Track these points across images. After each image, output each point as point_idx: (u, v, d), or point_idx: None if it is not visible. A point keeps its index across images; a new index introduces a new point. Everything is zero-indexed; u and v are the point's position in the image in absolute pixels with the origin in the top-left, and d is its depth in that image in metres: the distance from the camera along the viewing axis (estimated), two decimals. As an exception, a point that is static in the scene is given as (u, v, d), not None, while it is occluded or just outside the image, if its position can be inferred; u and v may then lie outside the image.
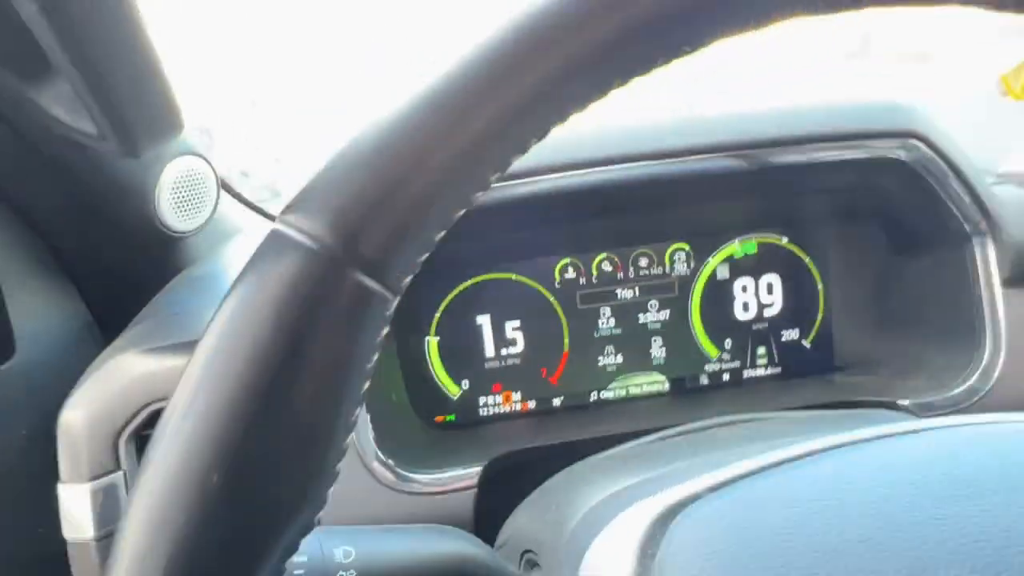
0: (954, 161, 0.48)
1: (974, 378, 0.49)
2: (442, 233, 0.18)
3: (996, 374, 0.48)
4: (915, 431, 0.28)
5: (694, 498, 0.25)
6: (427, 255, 0.18)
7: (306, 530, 0.18)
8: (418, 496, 0.47)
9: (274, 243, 0.16)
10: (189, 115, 0.41)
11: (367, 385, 0.18)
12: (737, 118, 0.52)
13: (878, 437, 0.28)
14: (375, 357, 0.18)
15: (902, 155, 0.49)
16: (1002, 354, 0.49)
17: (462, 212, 0.17)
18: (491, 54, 0.16)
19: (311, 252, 0.16)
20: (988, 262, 0.49)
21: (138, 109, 0.35)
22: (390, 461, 0.47)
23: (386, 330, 0.18)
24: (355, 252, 0.16)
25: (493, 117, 0.16)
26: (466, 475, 0.48)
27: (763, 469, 0.26)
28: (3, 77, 0.35)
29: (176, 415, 0.16)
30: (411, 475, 0.47)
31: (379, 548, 0.29)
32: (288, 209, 0.16)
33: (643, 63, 0.17)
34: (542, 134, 0.17)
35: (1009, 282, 0.49)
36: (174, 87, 0.37)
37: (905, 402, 0.49)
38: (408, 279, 0.18)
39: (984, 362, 0.49)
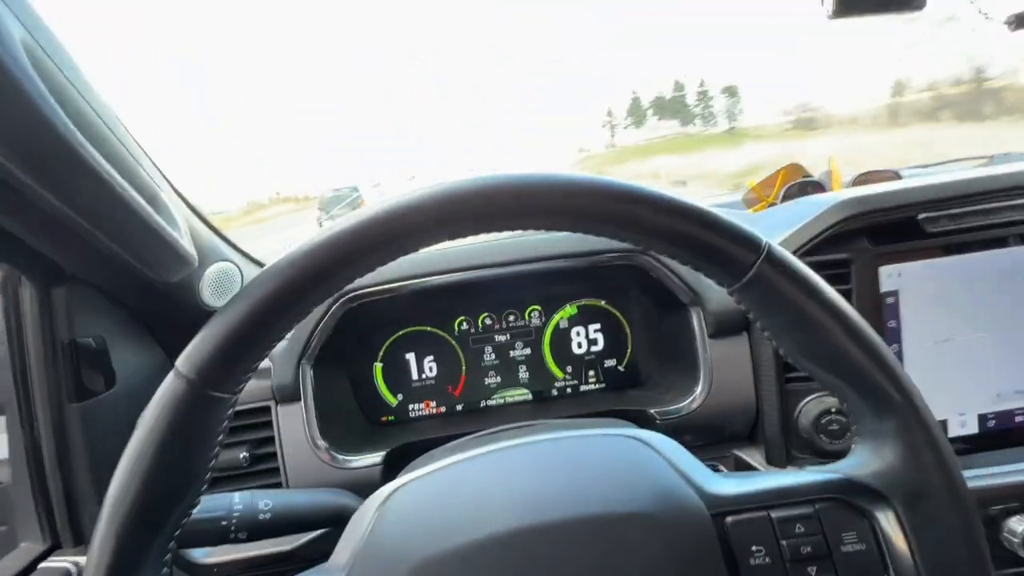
0: (668, 264, 0.63)
1: (693, 395, 0.62)
2: (265, 356, 0.27)
3: (707, 392, 0.62)
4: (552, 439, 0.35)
5: (409, 481, 0.34)
6: (258, 364, 0.27)
7: (191, 507, 0.28)
8: (344, 469, 0.59)
9: (170, 377, 0.26)
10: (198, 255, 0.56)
11: (221, 438, 0.28)
12: (561, 237, 0.65)
13: (524, 444, 0.35)
14: (226, 426, 0.27)
15: (642, 262, 0.64)
16: (710, 381, 0.62)
17: (277, 343, 0.27)
18: (270, 279, 0.26)
19: (181, 381, 0.26)
20: (700, 323, 0.63)
21: (164, 265, 0.52)
22: (326, 446, 0.60)
23: (232, 411, 0.28)
24: (207, 379, 0.26)
25: (280, 310, 0.26)
26: (374, 457, 0.60)
27: (450, 464, 0.34)
28: (107, 246, 0.48)
29: (124, 457, 0.26)
30: (339, 455, 0.60)
31: (286, 500, 0.40)
32: (180, 357, 0.26)
33: (359, 272, 0.27)
34: (306, 314, 0.27)
35: (713, 335, 0.62)
36: (183, 250, 0.53)
37: (652, 411, 0.62)
38: (245, 384, 0.27)
39: (700, 385, 0.62)
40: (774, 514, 0.30)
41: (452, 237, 0.27)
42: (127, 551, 0.26)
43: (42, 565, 0.59)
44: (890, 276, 0.58)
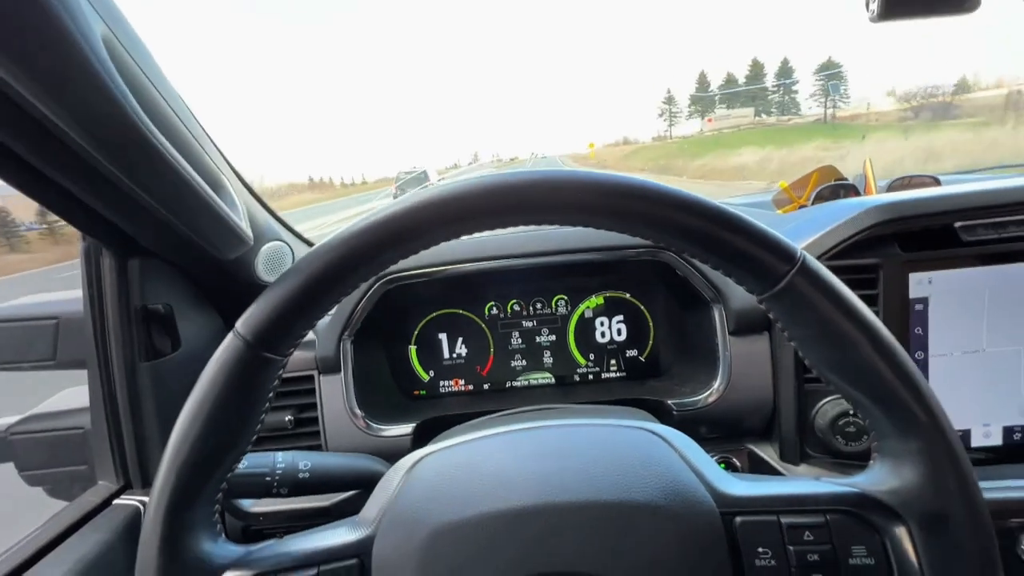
0: (693, 262, 0.61)
1: (711, 389, 0.60)
2: (315, 324, 0.28)
3: (724, 387, 0.60)
4: (573, 425, 0.35)
5: (436, 451, 0.34)
6: (307, 332, 0.28)
7: (242, 454, 0.29)
8: (378, 437, 0.61)
9: (229, 337, 0.27)
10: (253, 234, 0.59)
11: (271, 396, 0.28)
12: (589, 231, 0.62)
13: (545, 427, 0.35)
14: (275, 385, 0.28)
15: (668, 259, 0.62)
16: (728, 377, 0.60)
17: (326, 314, 0.28)
18: (322, 256, 0.26)
19: (239, 341, 0.26)
20: (721, 319, 0.61)
21: (223, 243, 0.54)
22: (362, 414, 0.61)
23: (282, 373, 0.28)
24: (260, 340, 0.27)
25: (329, 284, 0.26)
26: (405, 428, 0.62)
27: (475, 439, 0.35)
28: (175, 225, 0.52)
29: (185, 407, 0.27)
30: (374, 424, 0.61)
31: (324, 462, 0.42)
32: (239, 320, 0.27)
33: (389, 261, 0.27)
34: (353, 289, 0.28)
35: (733, 333, 0.60)
36: (241, 230, 0.56)
37: (670, 401, 0.61)
38: (295, 348, 0.28)
39: (718, 380, 0.60)
40: (784, 519, 0.29)
41: (486, 228, 0.27)
42: (185, 489, 0.27)
43: (116, 502, 0.64)
44: (920, 283, 0.55)
